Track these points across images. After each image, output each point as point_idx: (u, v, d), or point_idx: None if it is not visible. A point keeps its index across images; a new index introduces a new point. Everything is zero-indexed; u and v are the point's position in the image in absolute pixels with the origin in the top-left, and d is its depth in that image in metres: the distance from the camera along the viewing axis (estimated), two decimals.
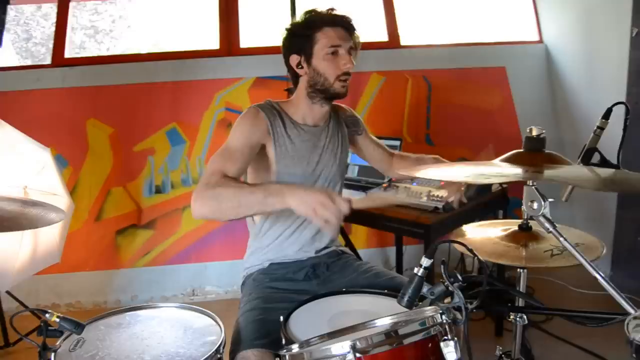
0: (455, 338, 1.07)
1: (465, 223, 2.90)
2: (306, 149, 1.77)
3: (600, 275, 1.01)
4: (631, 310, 0.98)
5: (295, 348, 1.20)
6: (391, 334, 1.08)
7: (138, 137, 3.34)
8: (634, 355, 0.94)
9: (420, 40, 3.71)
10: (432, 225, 2.23)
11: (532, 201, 1.09)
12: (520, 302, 1.49)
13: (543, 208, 1.07)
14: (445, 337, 1.07)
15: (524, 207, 1.09)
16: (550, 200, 1.09)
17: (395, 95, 3.56)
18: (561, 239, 1.06)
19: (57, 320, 1.31)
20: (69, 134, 3.26)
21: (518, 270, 1.55)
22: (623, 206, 2.95)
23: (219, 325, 1.52)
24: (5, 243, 2.45)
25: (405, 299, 1.11)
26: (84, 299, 3.33)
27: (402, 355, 1.07)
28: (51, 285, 3.26)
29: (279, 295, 1.72)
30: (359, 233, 3.51)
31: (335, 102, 1.89)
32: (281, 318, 1.45)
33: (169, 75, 3.37)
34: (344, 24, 1.72)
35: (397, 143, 2.73)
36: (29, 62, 3.72)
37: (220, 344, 1.43)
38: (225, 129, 3.41)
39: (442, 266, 1.08)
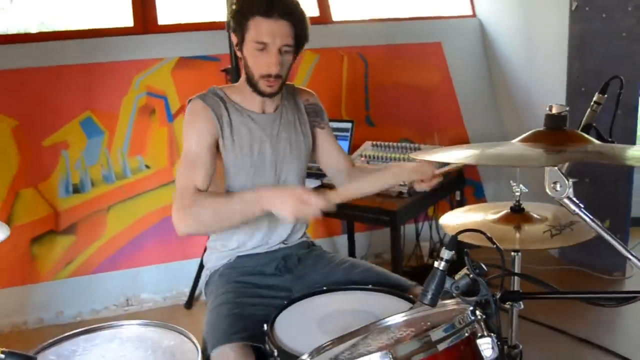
0: (492, 334, 0.99)
1: (429, 206, 2.88)
2: (254, 138, 1.59)
3: (632, 255, 0.96)
4: None
5: (306, 359, 1.07)
6: (426, 337, 0.97)
7: (47, 130, 2.92)
8: None
9: (353, 16, 3.57)
10: (398, 211, 2.18)
11: (555, 183, 0.99)
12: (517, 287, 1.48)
13: (568, 188, 0.98)
14: (481, 334, 0.99)
15: (547, 190, 1.00)
16: (573, 180, 0.99)
17: (330, 74, 3.39)
18: (588, 220, 0.99)
19: (2, 356, 1.04)
20: None
21: (512, 253, 1.53)
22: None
23: (191, 340, 1.34)
24: None
25: (429, 296, 1.00)
26: None
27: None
28: None
29: (250, 290, 1.59)
30: None
31: (298, 87, 1.76)
32: (265, 327, 1.32)
33: (77, 57, 2.97)
34: (282, 15, 1.44)
35: (349, 125, 2.58)
36: None
37: None
38: (149, 115, 3.07)
39: (466, 257, 0.98)
